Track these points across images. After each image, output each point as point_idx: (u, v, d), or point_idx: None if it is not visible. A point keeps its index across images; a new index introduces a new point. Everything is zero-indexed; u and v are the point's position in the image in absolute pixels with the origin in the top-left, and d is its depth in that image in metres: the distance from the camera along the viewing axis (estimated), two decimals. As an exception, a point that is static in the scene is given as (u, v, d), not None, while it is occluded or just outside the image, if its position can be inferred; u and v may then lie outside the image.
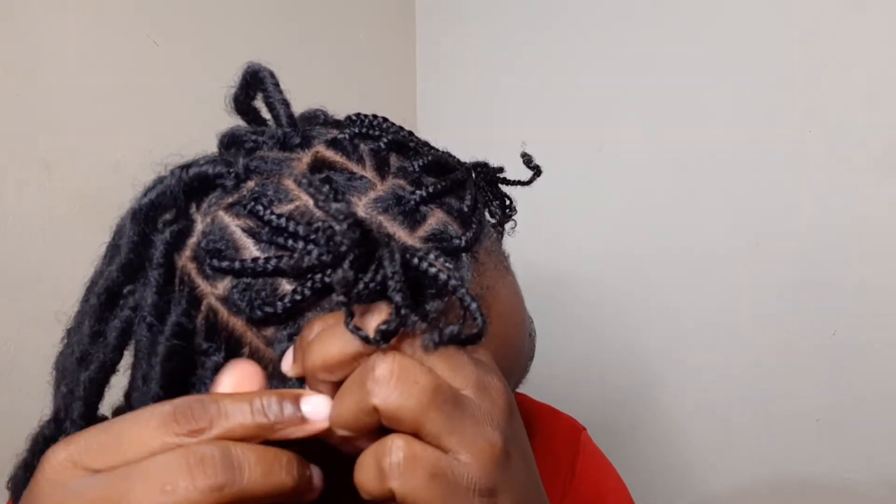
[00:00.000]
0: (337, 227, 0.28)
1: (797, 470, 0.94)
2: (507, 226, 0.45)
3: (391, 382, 0.26)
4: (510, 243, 0.44)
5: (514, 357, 0.38)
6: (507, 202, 0.44)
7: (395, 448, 0.26)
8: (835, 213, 0.89)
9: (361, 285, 0.28)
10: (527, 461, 0.31)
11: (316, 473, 0.29)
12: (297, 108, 0.40)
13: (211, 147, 0.39)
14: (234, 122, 0.40)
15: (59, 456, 0.26)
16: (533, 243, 1.10)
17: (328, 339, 0.28)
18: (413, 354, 0.28)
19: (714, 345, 1.00)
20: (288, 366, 0.30)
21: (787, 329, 0.93)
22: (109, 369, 0.34)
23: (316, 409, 0.28)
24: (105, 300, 0.34)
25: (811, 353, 0.92)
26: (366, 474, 0.27)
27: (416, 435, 0.27)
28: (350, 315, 0.27)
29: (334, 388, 0.28)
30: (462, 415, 0.27)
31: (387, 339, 0.27)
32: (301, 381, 0.30)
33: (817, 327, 0.91)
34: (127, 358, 0.35)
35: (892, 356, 0.86)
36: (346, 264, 0.27)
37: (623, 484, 0.64)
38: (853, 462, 0.90)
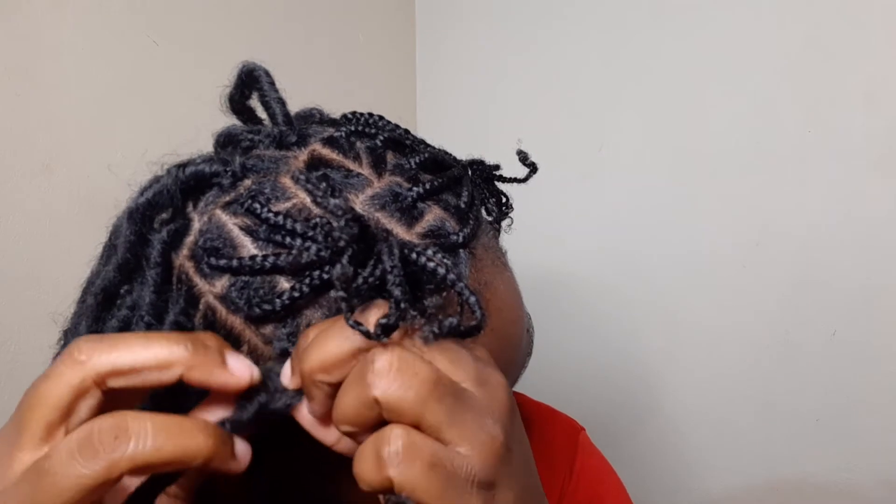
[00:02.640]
0: (335, 223, 0.28)
1: (797, 470, 0.94)
2: (504, 223, 0.45)
3: (391, 374, 0.26)
4: (510, 244, 0.44)
5: (512, 352, 0.38)
6: (504, 199, 0.44)
7: (395, 437, 0.26)
8: (835, 213, 0.89)
9: (360, 280, 0.28)
10: (526, 459, 0.31)
11: (241, 445, 0.29)
12: (298, 108, 0.40)
13: (210, 147, 0.39)
14: (233, 121, 0.40)
15: None
16: (533, 243, 1.11)
17: (324, 339, 0.28)
18: (412, 348, 0.28)
19: (714, 345, 1.00)
20: (287, 378, 0.30)
21: (787, 329, 0.93)
22: None
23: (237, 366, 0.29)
24: (102, 300, 0.34)
25: (811, 353, 0.92)
26: (364, 464, 0.27)
27: (417, 427, 0.27)
28: (350, 311, 0.27)
29: (333, 390, 0.28)
30: (463, 407, 0.27)
31: (387, 333, 0.27)
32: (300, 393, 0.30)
33: (817, 327, 0.91)
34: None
35: (892, 356, 0.86)
36: (344, 259, 0.27)
37: (621, 484, 0.64)
38: (853, 462, 0.90)
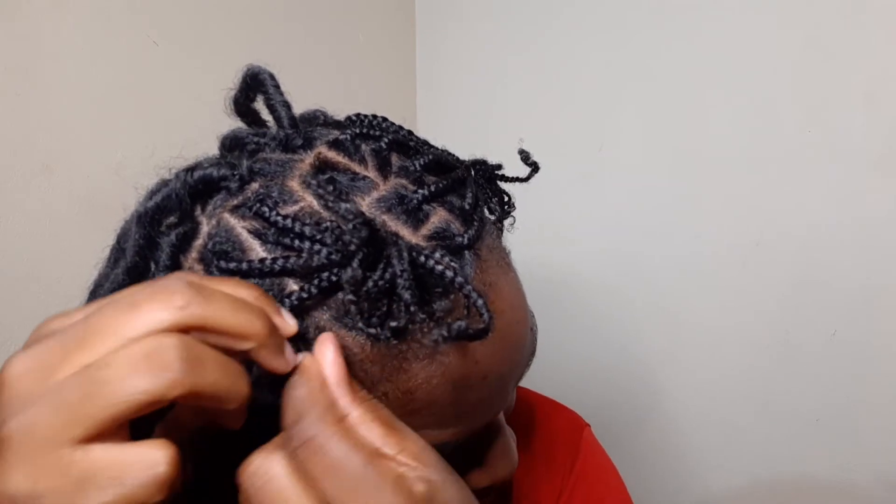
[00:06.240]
0: (345, 227, 0.28)
1: (797, 470, 0.95)
2: (507, 222, 0.45)
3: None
4: (511, 243, 0.44)
5: (516, 353, 0.38)
6: (506, 199, 0.45)
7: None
8: (835, 213, 0.89)
9: (370, 283, 0.28)
10: None
11: None
12: (298, 109, 0.40)
13: (211, 148, 0.39)
14: (235, 123, 0.40)
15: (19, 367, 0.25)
16: (533, 243, 1.11)
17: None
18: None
19: (714, 344, 1.00)
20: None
21: (787, 329, 0.93)
22: None
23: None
24: None
25: (811, 353, 0.92)
26: None
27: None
28: (360, 314, 0.28)
29: None
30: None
31: (397, 336, 0.27)
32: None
33: (817, 327, 0.91)
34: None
35: (892, 356, 0.86)
36: (355, 263, 0.28)
37: (623, 484, 0.64)
38: (853, 462, 0.90)
